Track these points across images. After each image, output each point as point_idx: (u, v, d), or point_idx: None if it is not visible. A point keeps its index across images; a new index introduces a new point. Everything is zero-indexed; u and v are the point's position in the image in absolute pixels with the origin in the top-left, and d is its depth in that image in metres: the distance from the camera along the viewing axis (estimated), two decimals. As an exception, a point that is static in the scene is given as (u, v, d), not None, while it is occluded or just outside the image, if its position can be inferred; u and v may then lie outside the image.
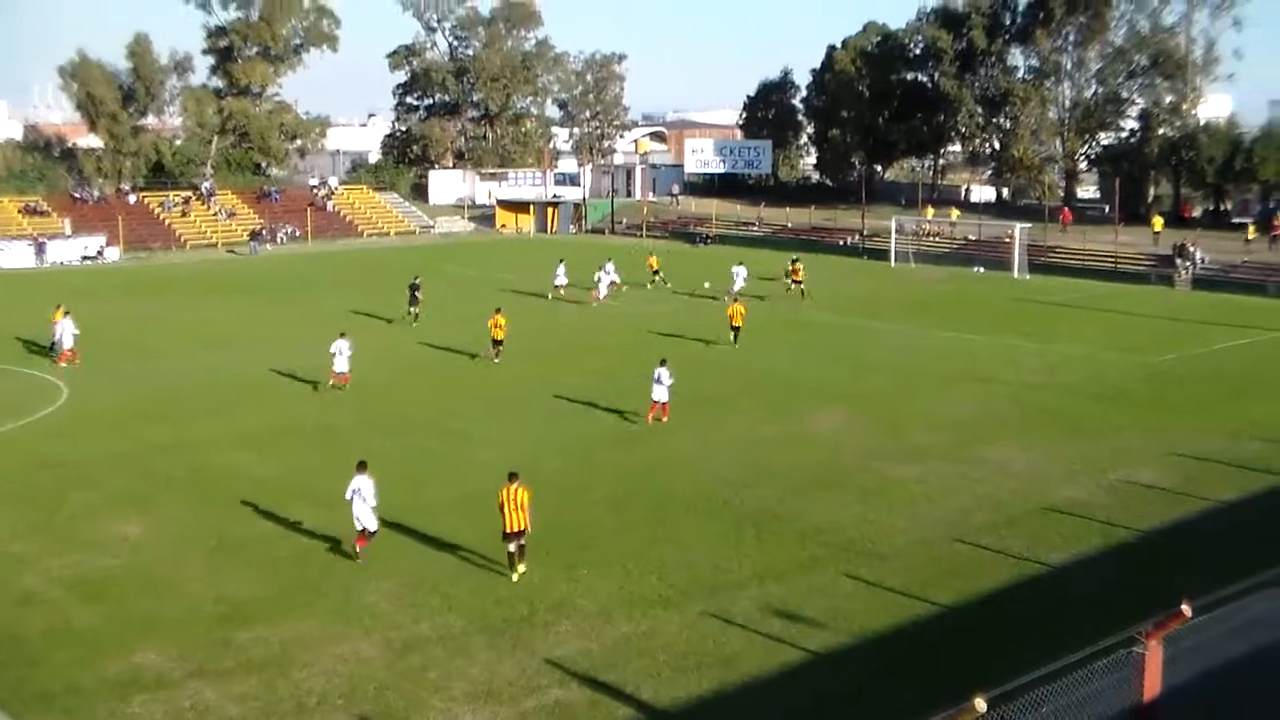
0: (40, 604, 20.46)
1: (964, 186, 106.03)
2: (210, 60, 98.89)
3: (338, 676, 17.71)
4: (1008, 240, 71.85)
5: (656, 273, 62.22)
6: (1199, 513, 25.67)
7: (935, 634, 19.38)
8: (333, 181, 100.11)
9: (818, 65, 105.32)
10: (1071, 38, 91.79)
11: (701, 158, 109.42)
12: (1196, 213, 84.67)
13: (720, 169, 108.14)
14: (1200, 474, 28.37)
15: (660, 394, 32.60)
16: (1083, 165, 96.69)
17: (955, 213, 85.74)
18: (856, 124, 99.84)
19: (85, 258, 76.81)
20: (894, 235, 75.32)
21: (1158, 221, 76.67)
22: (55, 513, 25.43)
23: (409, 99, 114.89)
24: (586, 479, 27.85)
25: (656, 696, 17.19)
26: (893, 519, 25.02)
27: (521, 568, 21.51)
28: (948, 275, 68.56)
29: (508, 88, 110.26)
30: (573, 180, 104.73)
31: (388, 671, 17.89)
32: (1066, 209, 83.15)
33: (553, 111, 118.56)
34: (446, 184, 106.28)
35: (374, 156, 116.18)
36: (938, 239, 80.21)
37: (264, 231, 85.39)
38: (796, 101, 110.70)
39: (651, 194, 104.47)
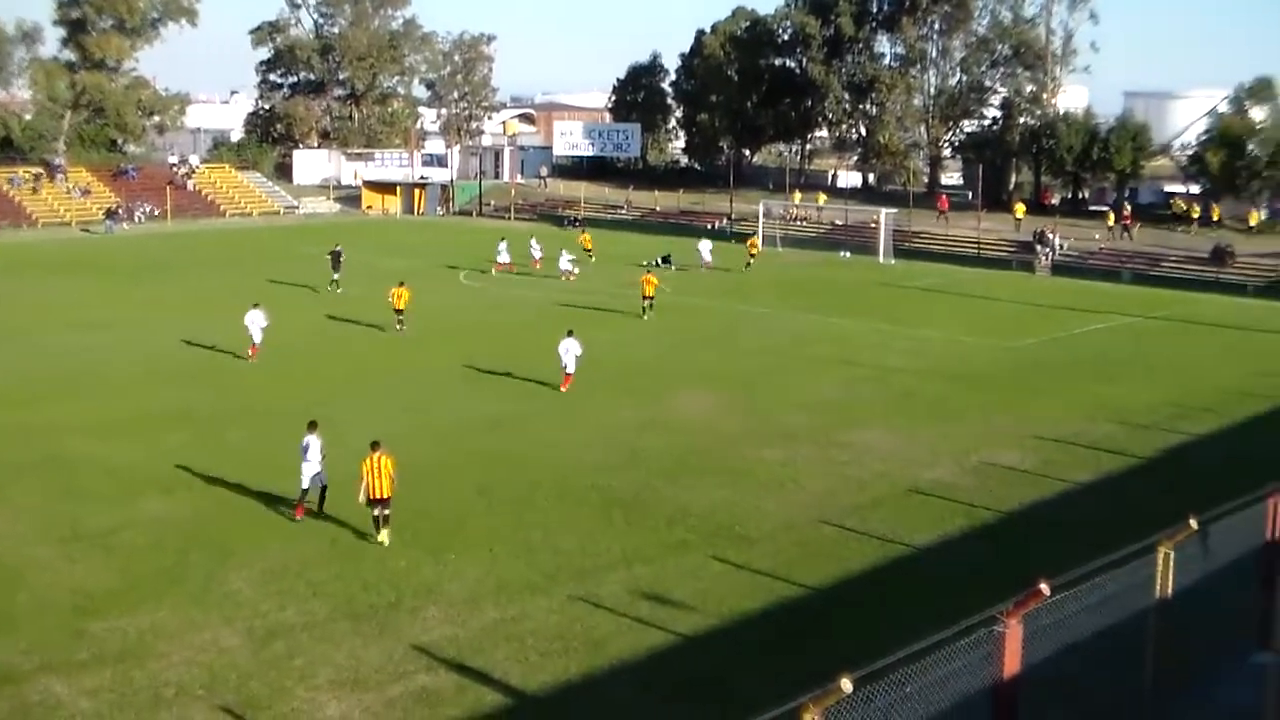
0: (-120, 596, 19.62)
1: (831, 172, 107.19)
2: (61, 32, 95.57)
3: (198, 666, 17.27)
4: (873, 226, 72.89)
5: (589, 251, 64.19)
6: (1057, 493, 26.34)
7: (802, 615, 19.56)
8: (193, 160, 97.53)
9: (687, 49, 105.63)
10: (937, 26, 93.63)
11: (570, 140, 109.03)
12: (1056, 200, 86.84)
13: (589, 152, 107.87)
14: (1058, 455, 29.12)
15: (568, 363, 34.28)
16: (947, 152, 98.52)
17: (822, 197, 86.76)
18: (725, 108, 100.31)
19: (-71, 235, 73.96)
20: (761, 219, 75.92)
21: (1019, 208, 78.41)
22: (-103, 501, 24.41)
23: (273, 76, 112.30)
24: (454, 463, 27.58)
25: (525, 681, 17.08)
26: (760, 502, 25.20)
27: (386, 536, 21.90)
28: (815, 260, 69.34)
29: (374, 67, 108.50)
30: (440, 161, 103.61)
31: (250, 660, 17.50)
32: (944, 196, 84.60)
33: (420, 92, 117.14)
34: (311, 164, 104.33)
35: (236, 135, 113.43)
36: (805, 224, 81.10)
37: (121, 210, 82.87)
38: (666, 85, 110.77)
39: (520, 176, 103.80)
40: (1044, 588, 12.83)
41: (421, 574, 20.77)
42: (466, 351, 40.37)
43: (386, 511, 22.13)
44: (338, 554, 21.62)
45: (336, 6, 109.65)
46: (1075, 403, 34.82)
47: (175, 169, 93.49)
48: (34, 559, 21.37)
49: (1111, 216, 75.11)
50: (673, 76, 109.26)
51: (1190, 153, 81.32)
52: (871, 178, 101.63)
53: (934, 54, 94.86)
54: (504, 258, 60.92)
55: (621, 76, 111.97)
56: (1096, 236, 72.78)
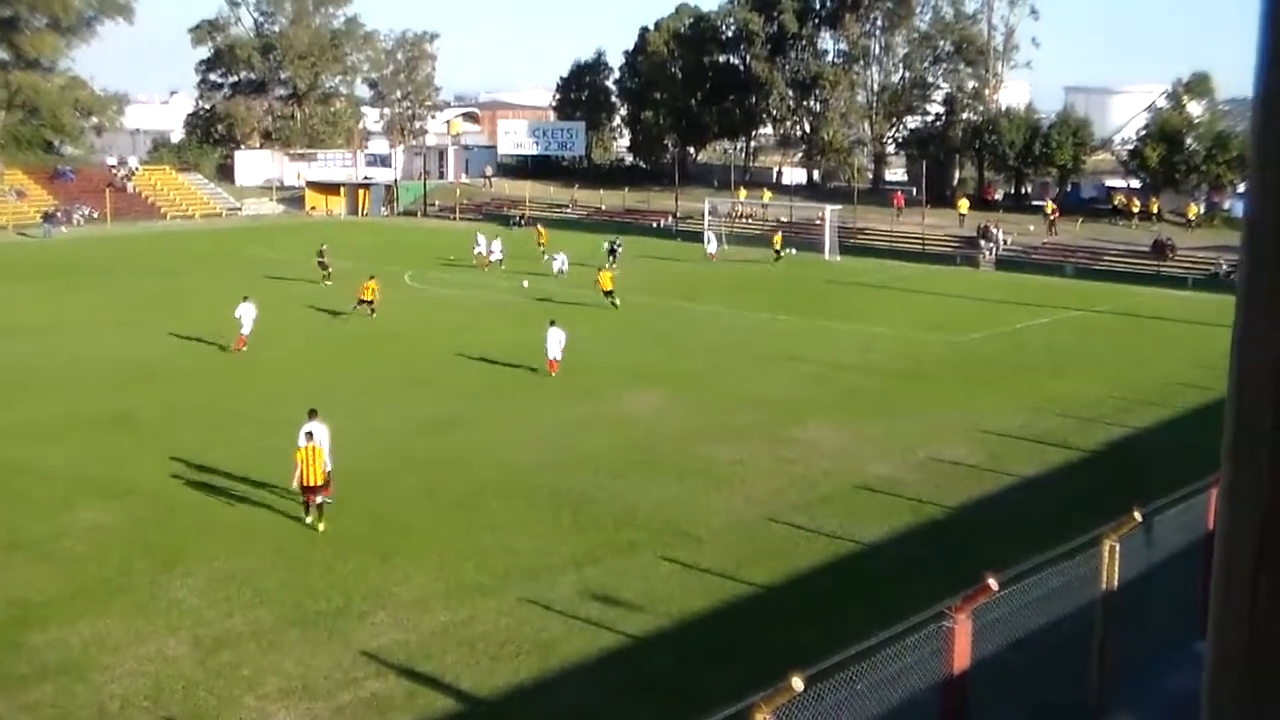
0: None
1: (775, 169, 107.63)
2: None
3: (143, 677, 16.98)
4: (819, 222, 73.15)
5: (541, 245, 65.01)
6: (1004, 488, 26.50)
7: (752, 614, 19.55)
8: (132, 161, 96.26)
9: (631, 47, 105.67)
10: (879, 23, 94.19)
11: (515, 139, 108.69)
12: (999, 195, 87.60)
13: (534, 151, 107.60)
14: (1004, 450, 29.32)
15: (553, 350, 36.15)
16: (890, 148, 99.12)
17: (767, 194, 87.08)
18: (669, 106, 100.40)
19: None
20: (707, 217, 76.03)
21: (963, 204, 79.03)
22: None
23: (213, 76, 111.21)
24: (400, 466, 27.35)
25: (476, 685, 16.96)
26: (708, 500, 25.18)
27: (319, 523, 22.54)
28: (761, 257, 69.54)
29: (316, 66, 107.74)
30: (384, 161, 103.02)
31: (197, 669, 17.23)
32: (900, 193, 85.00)
33: (363, 91, 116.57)
34: (254, 165, 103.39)
35: (177, 136, 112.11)
36: (750, 221, 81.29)
37: (59, 213, 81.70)
38: (610, 83, 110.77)
39: (464, 176, 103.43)
40: (992, 583, 12.92)
41: (369, 578, 20.57)
42: (411, 352, 40.12)
43: (319, 499, 22.66)
44: (284, 561, 21.36)
45: (277, 5, 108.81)
46: (1021, 397, 35.10)
47: (114, 171, 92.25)
48: (-29, 570, 20.96)
49: (1054, 210, 75.87)
50: (617, 74, 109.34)
51: (1130, 148, 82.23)
52: (816, 174, 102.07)
53: (877, 50, 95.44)
54: (490, 252, 62.90)
55: (565, 75, 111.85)
56: (1031, 229, 73.52)
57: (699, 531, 23.29)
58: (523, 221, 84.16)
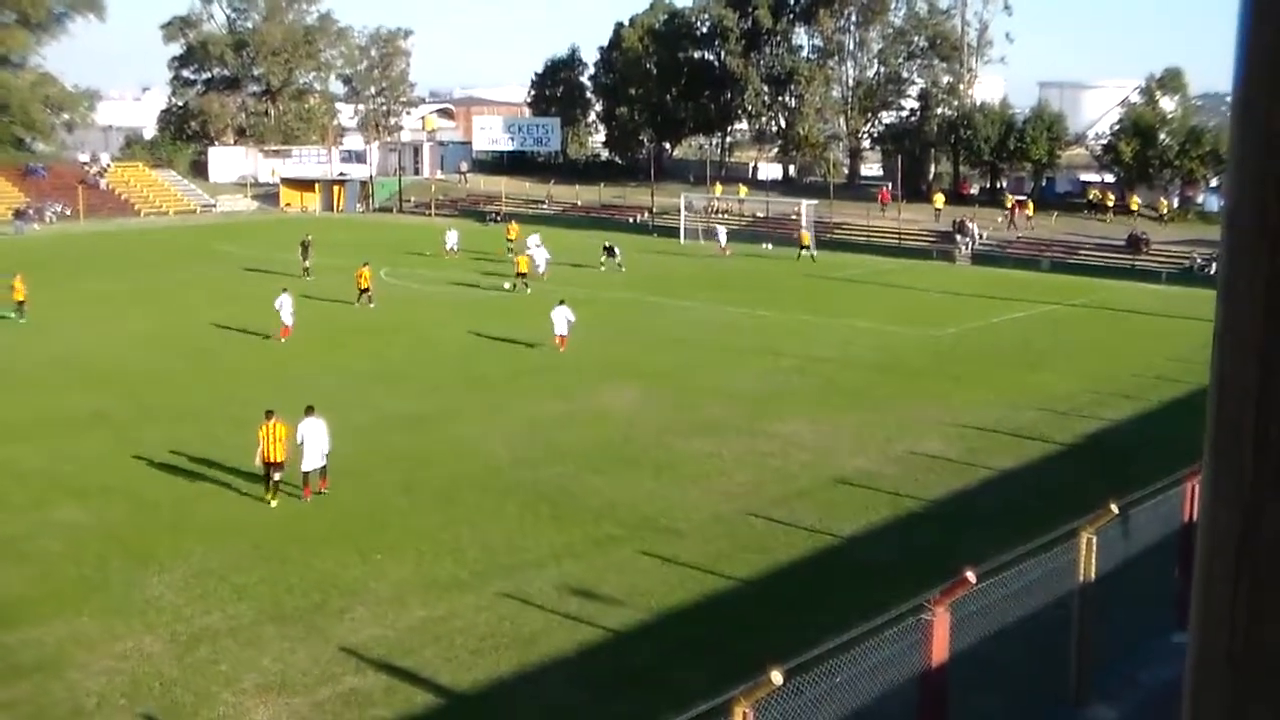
0: None
1: (751, 164, 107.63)
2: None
3: (120, 675, 16.91)
4: (795, 217, 73.25)
5: (509, 241, 65.32)
6: (981, 481, 26.60)
7: (731, 608, 19.59)
8: (105, 158, 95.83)
9: (606, 43, 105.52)
10: (854, 18, 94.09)
11: (490, 135, 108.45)
12: (974, 190, 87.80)
13: (509, 146, 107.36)
14: (982, 443, 29.42)
15: (560, 327, 38.81)
16: (866, 143, 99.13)
17: (743, 190, 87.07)
18: (645, 102, 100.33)
19: None
20: (683, 212, 76.04)
21: (939, 199, 79.18)
22: None
23: (186, 72, 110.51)
24: (377, 461, 27.28)
25: (455, 680, 16.95)
26: (687, 494, 25.21)
27: (274, 500, 23.55)
28: (737, 251, 69.56)
29: (290, 62, 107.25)
30: (359, 158, 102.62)
31: (174, 666, 17.18)
32: (885, 189, 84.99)
33: (337, 87, 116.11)
34: (227, 161, 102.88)
35: (150, 132, 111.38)
36: (726, 216, 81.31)
37: (31, 210, 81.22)
38: (585, 79, 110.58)
39: (440, 172, 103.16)
40: (970, 575, 12.97)
41: (347, 574, 20.53)
42: (387, 348, 40.03)
43: (278, 476, 23.70)
44: (262, 556, 21.30)
45: (249, 1, 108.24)
46: (997, 390, 35.23)
47: (87, 167, 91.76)
48: (-54, 569, 20.83)
49: (1031, 206, 76.11)
50: (591, 70, 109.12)
51: (1104, 142, 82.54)
52: (792, 170, 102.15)
53: (851, 46, 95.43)
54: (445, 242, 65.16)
55: (540, 70, 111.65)
56: (999, 220, 73.78)
57: (678, 525, 23.32)
58: (498, 218, 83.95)
